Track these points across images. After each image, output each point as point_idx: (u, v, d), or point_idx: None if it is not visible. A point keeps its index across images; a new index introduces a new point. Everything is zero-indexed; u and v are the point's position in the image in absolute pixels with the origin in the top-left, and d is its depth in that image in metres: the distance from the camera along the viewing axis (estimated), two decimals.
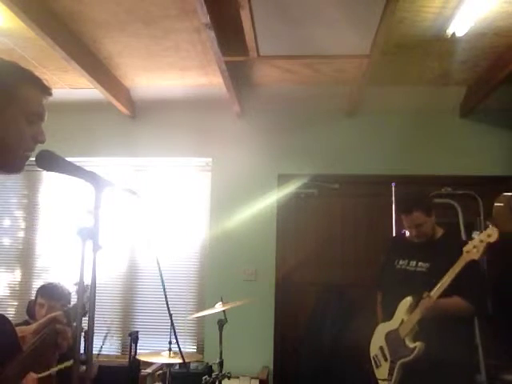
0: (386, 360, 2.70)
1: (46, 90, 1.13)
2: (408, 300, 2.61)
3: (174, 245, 4.26)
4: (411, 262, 2.76)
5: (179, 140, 4.30)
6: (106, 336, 2.54)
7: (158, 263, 1.48)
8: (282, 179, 4.22)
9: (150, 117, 4.38)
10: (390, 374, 2.61)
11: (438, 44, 3.30)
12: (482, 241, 2.42)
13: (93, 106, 4.28)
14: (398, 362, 2.57)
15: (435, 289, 2.48)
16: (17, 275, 4.46)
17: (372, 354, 2.85)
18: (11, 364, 1.06)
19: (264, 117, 4.29)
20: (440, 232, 2.79)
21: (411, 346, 2.53)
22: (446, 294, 2.47)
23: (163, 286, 1.57)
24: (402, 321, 2.62)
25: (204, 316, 3.55)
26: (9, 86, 1.06)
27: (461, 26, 2.98)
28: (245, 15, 2.75)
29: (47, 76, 3.89)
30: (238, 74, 3.83)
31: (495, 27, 3.07)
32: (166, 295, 1.54)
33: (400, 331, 2.61)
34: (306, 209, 4.23)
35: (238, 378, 3.65)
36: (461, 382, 2.59)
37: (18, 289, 4.43)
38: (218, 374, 2.92)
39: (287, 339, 4.07)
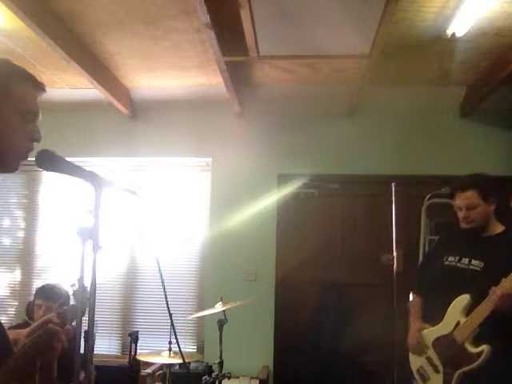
0: (437, 372, 2.35)
1: (40, 87, 1.11)
2: (465, 298, 2.27)
3: (173, 245, 4.26)
4: (463, 259, 2.41)
5: (179, 140, 4.30)
6: None
7: (158, 263, 1.48)
8: (282, 179, 4.22)
9: (150, 117, 4.38)
10: None
11: (438, 44, 3.30)
12: None
13: (93, 106, 4.28)
14: (458, 372, 2.23)
15: (508, 278, 2.13)
16: (17, 275, 4.46)
17: (416, 367, 2.50)
18: (1, 366, 1.04)
19: (264, 117, 4.29)
20: (499, 229, 2.43)
21: (475, 350, 2.18)
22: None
23: (163, 285, 1.57)
24: (458, 323, 2.28)
25: (204, 316, 3.55)
26: (2, 84, 1.05)
27: (461, 25, 2.98)
28: (245, 15, 2.75)
29: (47, 76, 3.89)
30: (238, 74, 3.83)
31: (495, 27, 3.07)
32: (166, 295, 1.54)
33: (456, 335, 2.27)
34: (306, 209, 4.23)
35: (237, 378, 3.65)
36: None
37: (18, 289, 4.43)
38: (217, 374, 2.92)
39: (287, 339, 4.07)
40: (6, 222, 4.54)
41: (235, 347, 3.69)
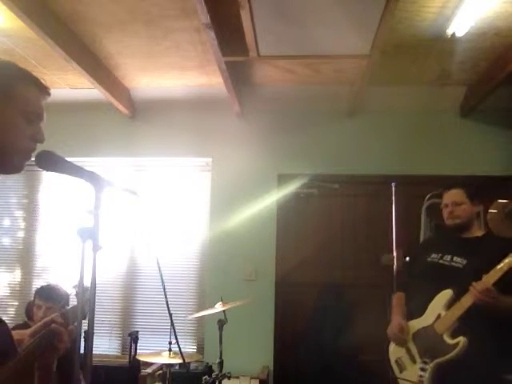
0: (414, 362, 2.43)
1: (45, 90, 1.12)
2: (448, 293, 2.36)
3: (174, 245, 4.26)
4: (446, 256, 2.52)
5: (179, 140, 4.30)
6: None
7: (158, 263, 1.48)
8: (282, 179, 4.22)
9: (150, 117, 4.38)
10: (421, 377, 2.33)
11: (438, 44, 3.30)
12: None
13: (93, 106, 4.28)
14: (433, 363, 2.31)
15: (489, 274, 2.21)
16: (17, 275, 4.46)
17: (394, 358, 2.57)
18: (4, 367, 1.04)
19: (264, 117, 4.29)
20: (481, 232, 2.59)
21: (452, 342, 2.26)
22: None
23: (163, 285, 1.57)
24: (439, 316, 2.37)
25: (204, 316, 3.55)
26: (7, 85, 1.05)
27: (461, 25, 2.98)
28: (245, 15, 2.75)
29: (47, 76, 3.88)
30: (238, 74, 3.83)
31: (495, 27, 3.07)
32: (166, 295, 1.54)
33: (436, 327, 2.36)
34: (306, 209, 4.23)
35: (237, 377, 3.65)
36: None
37: (18, 289, 4.43)
38: (217, 374, 2.92)
39: (287, 339, 4.07)
40: (6, 222, 4.54)
41: (235, 347, 3.69)
